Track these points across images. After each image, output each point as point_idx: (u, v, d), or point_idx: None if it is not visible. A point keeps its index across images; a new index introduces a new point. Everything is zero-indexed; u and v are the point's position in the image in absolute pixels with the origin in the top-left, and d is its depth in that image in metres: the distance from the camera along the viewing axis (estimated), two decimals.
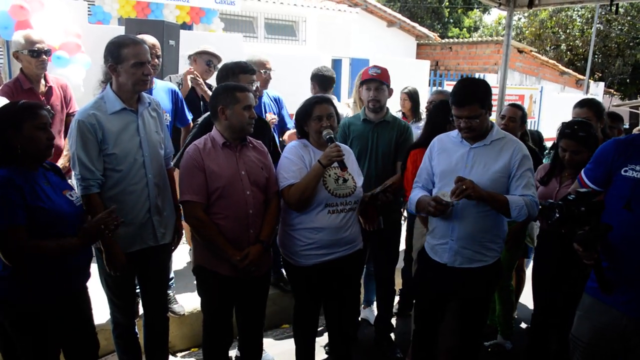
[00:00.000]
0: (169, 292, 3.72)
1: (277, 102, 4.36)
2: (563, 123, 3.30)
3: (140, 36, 3.66)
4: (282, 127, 4.36)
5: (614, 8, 4.60)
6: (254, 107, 2.83)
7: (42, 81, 3.73)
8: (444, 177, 2.77)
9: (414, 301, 3.23)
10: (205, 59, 4.39)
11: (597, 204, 2.29)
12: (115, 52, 2.62)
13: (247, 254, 2.72)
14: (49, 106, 3.65)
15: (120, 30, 5.24)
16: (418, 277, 3.11)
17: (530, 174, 2.72)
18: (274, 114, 4.25)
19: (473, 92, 2.67)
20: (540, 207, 2.63)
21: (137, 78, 2.65)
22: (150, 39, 3.72)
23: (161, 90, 3.82)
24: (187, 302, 3.84)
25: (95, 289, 2.85)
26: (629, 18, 22.66)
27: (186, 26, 10.74)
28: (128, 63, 2.61)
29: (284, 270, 4.23)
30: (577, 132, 3.07)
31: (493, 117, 3.62)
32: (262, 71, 4.09)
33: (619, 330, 2.28)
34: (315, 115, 2.96)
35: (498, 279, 2.98)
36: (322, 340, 3.76)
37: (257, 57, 4.13)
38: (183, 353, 3.78)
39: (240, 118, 2.77)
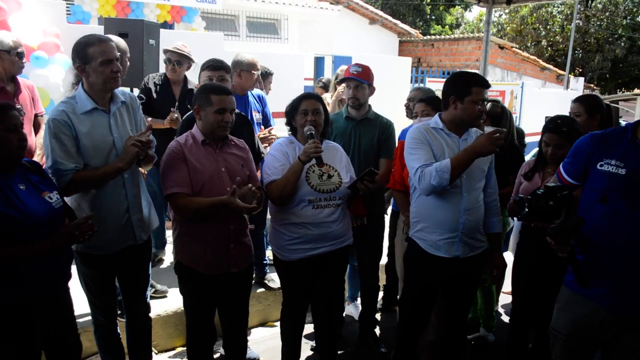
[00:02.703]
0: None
1: (261, 100, 4.35)
2: (547, 117, 3.34)
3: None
4: (266, 124, 4.36)
5: (589, 3, 4.66)
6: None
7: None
8: None
9: (402, 296, 3.24)
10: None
11: (566, 197, 2.29)
12: (82, 52, 2.59)
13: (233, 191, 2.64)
14: (20, 105, 3.64)
15: (100, 30, 5.17)
16: (415, 275, 3.03)
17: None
18: (258, 112, 4.24)
19: None
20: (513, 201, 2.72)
21: (107, 76, 2.61)
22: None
23: None
24: (171, 301, 3.83)
25: (78, 290, 2.84)
26: (607, 14, 22.97)
27: (167, 25, 10.67)
28: (96, 62, 2.57)
29: (267, 269, 4.27)
30: (560, 126, 3.12)
31: None
32: (254, 72, 4.09)
33: (598, 323, 2.31)
34: (301, 109, 3.00)
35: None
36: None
37: (248, 57, 4.09)
38: (168, 353, 3.77)
39: (210, 120, 2.76)
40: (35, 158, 3.61)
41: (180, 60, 4.31)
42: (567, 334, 2.43)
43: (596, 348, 2.42)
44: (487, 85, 2.81)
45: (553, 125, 3.15)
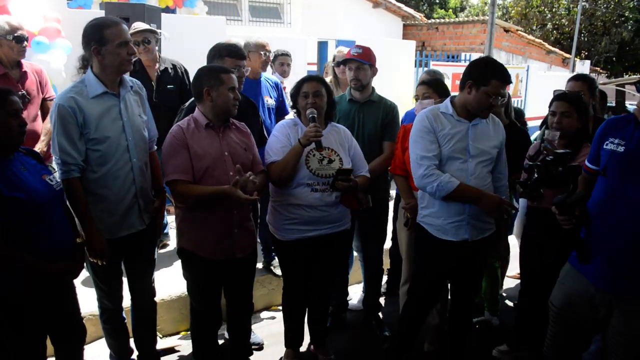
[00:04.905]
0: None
1: (277, 87, 4.30)
2: (555, 91, 3.35)
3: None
4: (282, 112, 4.32)
5: None
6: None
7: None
8: (451, 154, 2.77)
9: (410, 283, 3.25)
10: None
11: (575, 166, 2.38)
12: (98, 35, 2.57)
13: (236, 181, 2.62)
14: (24, 91, 3.61)
15: (101, 15, 5.14)
16: (425, 262, 3.02)
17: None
18: (274, 99, 4.19)
19: None
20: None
21: (123, 58, 2.61)
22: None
23: None
24: (175, 285, 3.83)
25: (83, 275, 2.84)
26: None
27: (169, 10, 10.58)
28: (112, 44, 2.57)
29: (274, 255, 4.26)
30: (568, 95, 3.16)
31: None
32: (261, 52, 4.04)
33: (588, 298, 2.38)
34: (302, 91, 3.01)
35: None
36: None
37: (255, 38, 4.06)
38: (172, 337, 3.78)
39: (225, 99, 2.76)
40: (39, 144, 3.59)
41: (147, 37, 4.13)
42: (559, 307, 2.50)
43: (589, 325, 2.47)
44: (508, 81, 2.75)
45: (561, 94, 3.18)
